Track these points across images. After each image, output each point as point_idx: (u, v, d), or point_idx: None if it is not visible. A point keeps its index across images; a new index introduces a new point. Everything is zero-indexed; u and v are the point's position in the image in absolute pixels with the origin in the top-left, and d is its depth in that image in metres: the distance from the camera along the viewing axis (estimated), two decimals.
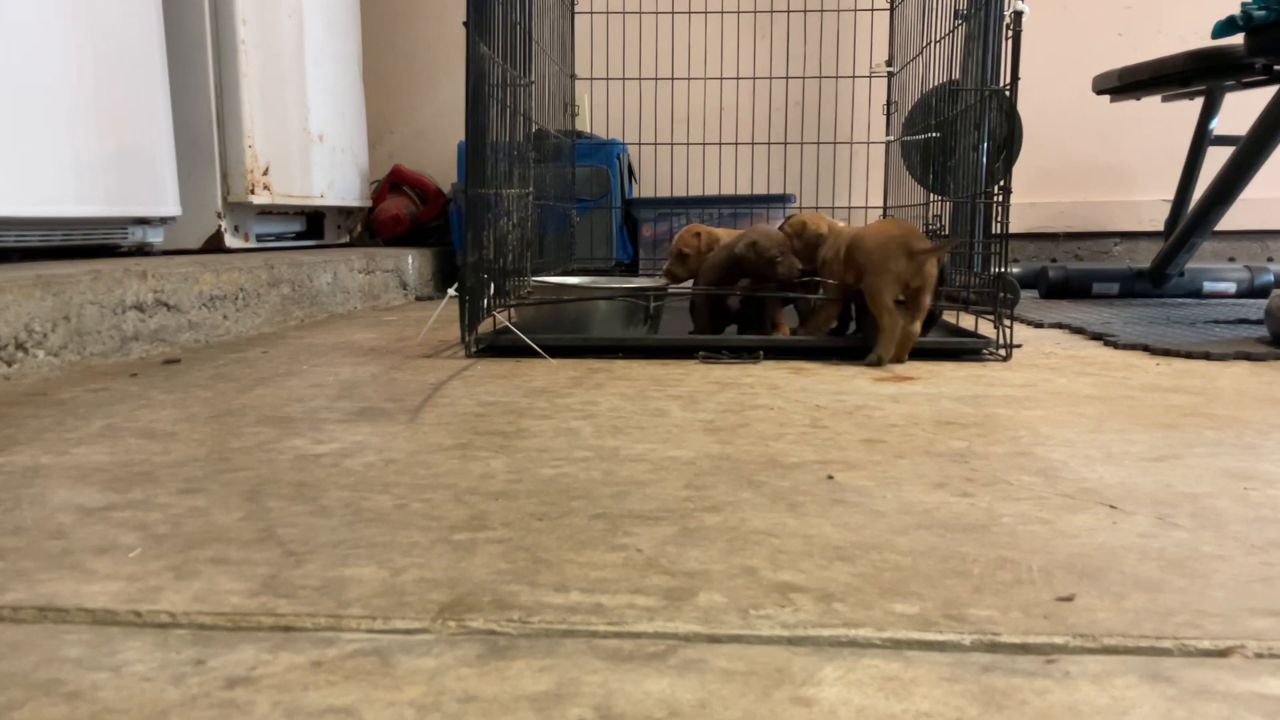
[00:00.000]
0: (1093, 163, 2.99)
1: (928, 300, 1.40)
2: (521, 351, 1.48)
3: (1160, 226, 2.87)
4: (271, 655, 0.48)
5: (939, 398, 1.13)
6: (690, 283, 1.67)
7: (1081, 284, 2.41)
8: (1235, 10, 1.77)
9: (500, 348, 1.52)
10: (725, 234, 1.66)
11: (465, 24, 1.39)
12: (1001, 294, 1.46)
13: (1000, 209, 1.45)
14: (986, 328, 1.58)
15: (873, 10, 2.49)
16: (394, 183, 2.90)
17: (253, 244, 2.27)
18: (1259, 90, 2.15)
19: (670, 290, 1.65)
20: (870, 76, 2.66)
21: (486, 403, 1.11)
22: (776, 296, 1.55)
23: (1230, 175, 2.06)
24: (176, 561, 0.60)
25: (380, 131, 3.12)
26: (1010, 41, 1.41)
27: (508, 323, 1.51)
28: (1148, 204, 2.98)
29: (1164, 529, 0.66)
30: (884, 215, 2.41)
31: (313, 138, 2.46)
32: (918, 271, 1.36)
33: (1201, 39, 2.70)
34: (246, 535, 0.65)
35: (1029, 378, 1.28)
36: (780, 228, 1.55)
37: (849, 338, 1.54)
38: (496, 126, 1.51)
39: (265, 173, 2.21)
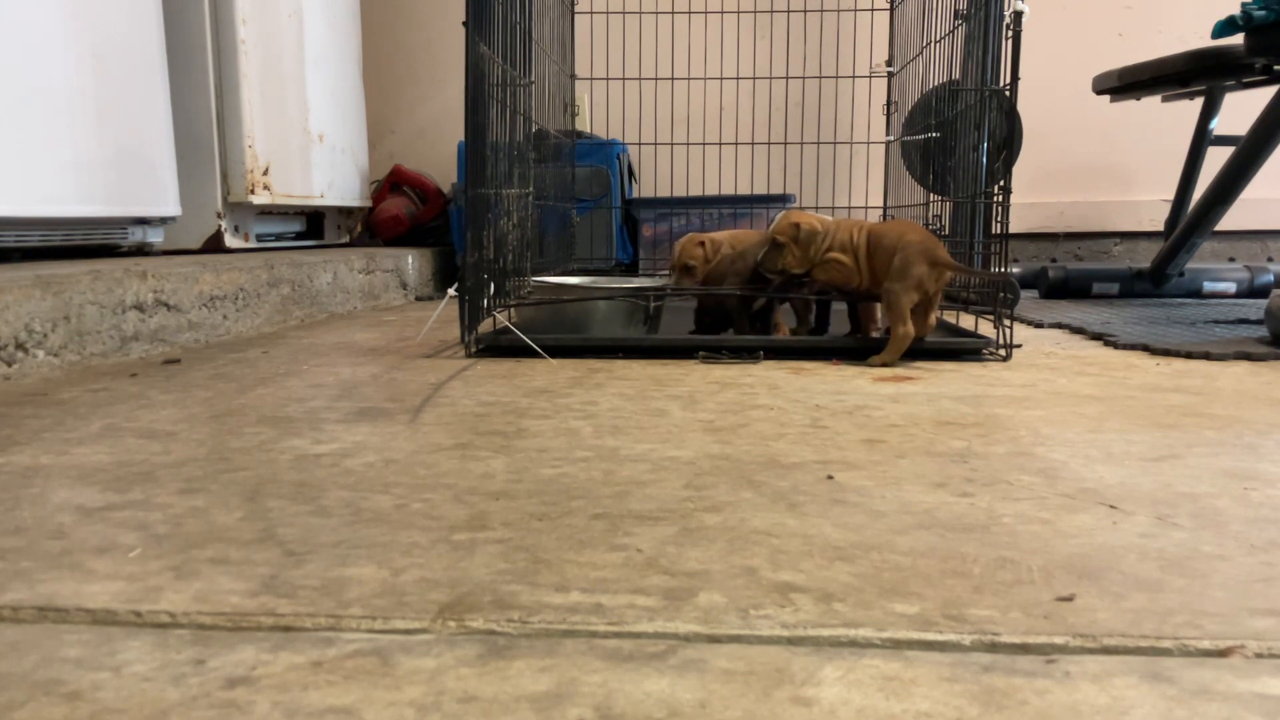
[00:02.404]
0: (1093, 163, 2.99)
1: (936, 306, 1.41)
2: (521, 351, 1.48)
3: (1160, 226, 2.87)
4: (271, 655, 0.48)
5: (939, 398, 1.13)
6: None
7: (1081, 284, 2.41)
8: (1235, 10, 1.77)
9: (500, 348, 1.52)
10: (724, 236, 1.64)
11: (465, 24, 1.39)
12: (1001, 294, 1.46)
13: (1000, 209, 1.45)
14: (986, 328, 1.58)
15: (873, 10, 2.49)
16: (394, 183, 2.90)
17: (253, 244, 2.27)
18: (1259, 90, 2.15)
19: (670, 290, 1.65)
20: (870, 76, 2.67)
21: (486, 403, 1.11)
22: (776, 297, 1.54)
23: (1230, 175, 2.06)
24: (176, 561, 0.60)
25: (380, 131, 3.12)
26: (1010, 41, 1.41)
27: (508, 323, 1.51)
28: (1148, 204, 2.98)
29: (1164, 529, 0.66)
30: (884, 215, 2.41)
31: (313, 138, 2.46)
32: (938, 279, 1.36)
33: (1201, 39, 2.71)
34: (246, 535, 0.65)
35: (1029, 378, 1.28)
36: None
37: (849, 338, 1.54)
38: (496, 126, 1.51)
39: (265, 173, 2.21)
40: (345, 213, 2.81)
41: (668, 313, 1.85)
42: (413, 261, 2.56)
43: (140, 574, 0.58)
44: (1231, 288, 2.36)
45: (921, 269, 1.34)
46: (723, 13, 2.93)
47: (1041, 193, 3.00)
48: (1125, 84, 2.25)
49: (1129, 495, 0.74)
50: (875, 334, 1.52)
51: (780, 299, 1.57)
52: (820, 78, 2.92)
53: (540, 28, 1.91)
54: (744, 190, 2.80)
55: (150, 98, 1.86)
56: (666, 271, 1.72)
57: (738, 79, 2.92)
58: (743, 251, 1.55)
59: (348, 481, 0.78)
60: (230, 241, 2.17)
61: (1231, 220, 2.57)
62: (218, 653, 0.48)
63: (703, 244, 1.61)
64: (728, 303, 1.56)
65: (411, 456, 0.86)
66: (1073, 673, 0.46)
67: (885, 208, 2.40)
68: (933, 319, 1.42)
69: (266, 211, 2.33)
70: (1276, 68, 1.97)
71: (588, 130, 2.86)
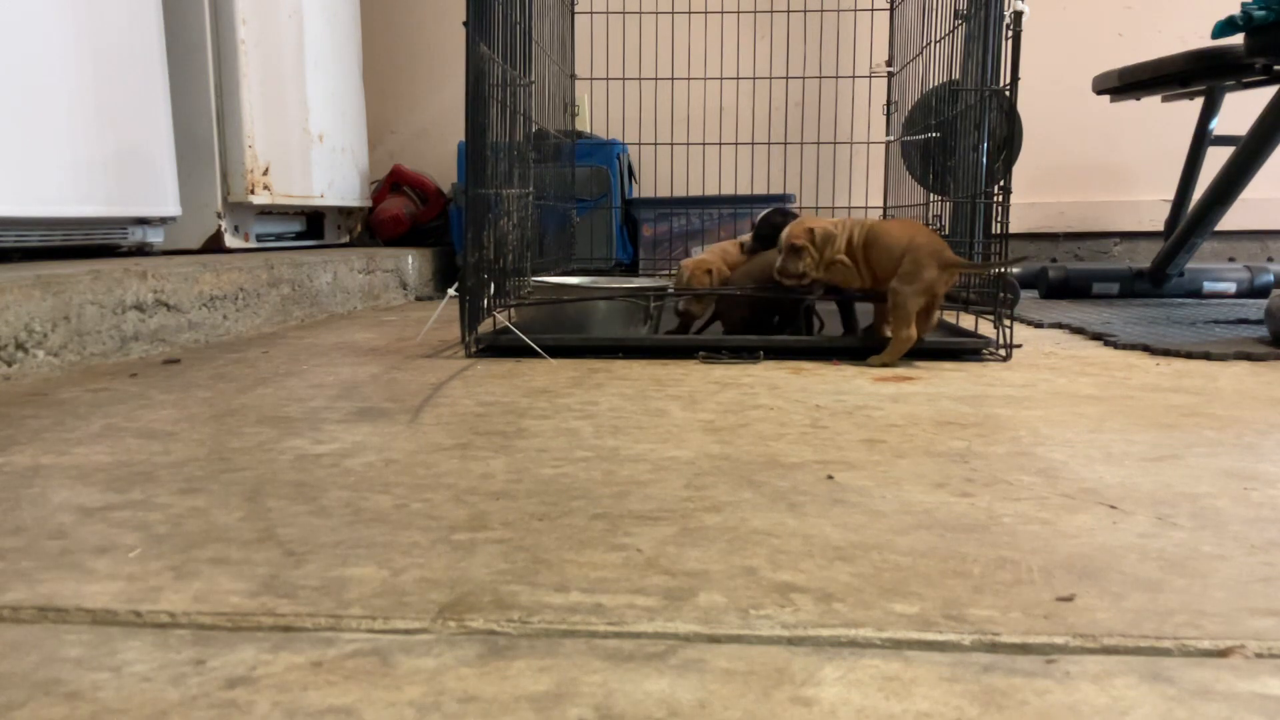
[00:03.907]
0: (1093, 163, 2.99)
1: (939, 307, 1.40)
2: (521, 351, 1.48)
3: (1160, 226, 2.87)
4: (271, 655, 0.48)
5: (939, 398, 1.13)
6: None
7: (1081, 284, 2.41)
8: (1235, 10, 1.77)
9: (500, 348, 1.52)
10: (716, 257, 1.63)
11: (465, 24, 1.39)
12: (1001, 294, 1.46)
13: (1000, 209, 1.45)
14: (986, 328, 1.58)
15: (873, 10, 2.49)
16: (394, 183, 2.90)
17: (253, 244, 2.27)
18: (1259, 90, 2.15)
19: (670, 291, 1.64)
20: (870, 76, 2.66)
21: (486, 403, 1.11)
22: (772, 296, 1.54)
23: (1230, 175, 2.06)
24: (176, 561, 0.60)
25: (380, 131, 3.12)
26: (1010, 41, 1.41)
27: (508, 323, 1.51)
28: (1148, 204, 2.98)
29: (1164, 529, 0.66)
30: (884, 215, 2.41)
31: (313, 138, 2.46)
32: (947, 281, 1.36)
33: (1201, 39, 2.70)
34: (246, 535, 0.65)
35: (1029, 378, 1.28)
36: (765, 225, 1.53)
37: (849, 338, 1.54)
38: (496, 126, 1.51)
39: (265, 173, 2.21)
40: (345, 213, 2.81)
41: (668, 313, 1.85)
42: (413, 261, 2.56)
43: (140, 574, 0.58)
44: (1231, 288, 2.36)
45: (933, 273, 1.33)
46: (723, 13, 2.93)
47: (1041, 193, 3.00)
48: (1125, 84, 2.25)
49: (1129, 495, 0.74)
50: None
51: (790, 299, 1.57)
52: (820, 78, 2.92)
53: (540, 28, 1.91)
54: (744, 190, 2.80)
55: (150, 98, 1.86)
56: (670, 272, 1.71)
57: (738, 79, 2.92)
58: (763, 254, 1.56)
59: (348, 481, 0.78)
60: (230, 241, 2.17)
61: (1231, 220, 2.56)
62: (218, 653, 0.48)
63: (710, 272, 1.59)
64: (783, 304, 1.55)
65: (411, 456, 0.86)
66: (1073, 673, 0.46)
67: (885, 208, 2.40)
68: (934, 319, 1.42)
69: (266, 211, 2.33)
70: (1276, 68, 1.97)
71: (588, 130, 2.86)
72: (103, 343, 1.38)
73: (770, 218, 1.61)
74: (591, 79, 2.69)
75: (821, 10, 2.81)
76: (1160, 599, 0.54)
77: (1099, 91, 2.40)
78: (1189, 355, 1.44)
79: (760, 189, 2.81)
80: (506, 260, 1.58)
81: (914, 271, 1.34)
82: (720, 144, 2.87)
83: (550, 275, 1.84)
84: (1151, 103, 2.79)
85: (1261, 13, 1.70)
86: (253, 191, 2.16)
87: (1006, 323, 1.44)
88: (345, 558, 0.61)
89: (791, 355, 1.47)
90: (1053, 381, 1.25)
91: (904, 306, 1.34)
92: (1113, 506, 0.71)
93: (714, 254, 1.65)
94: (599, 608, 0.53)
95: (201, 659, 0.48)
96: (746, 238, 1.65)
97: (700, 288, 1.58)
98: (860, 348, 1.45)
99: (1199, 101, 2.38)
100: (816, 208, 2.87)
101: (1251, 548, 0.62)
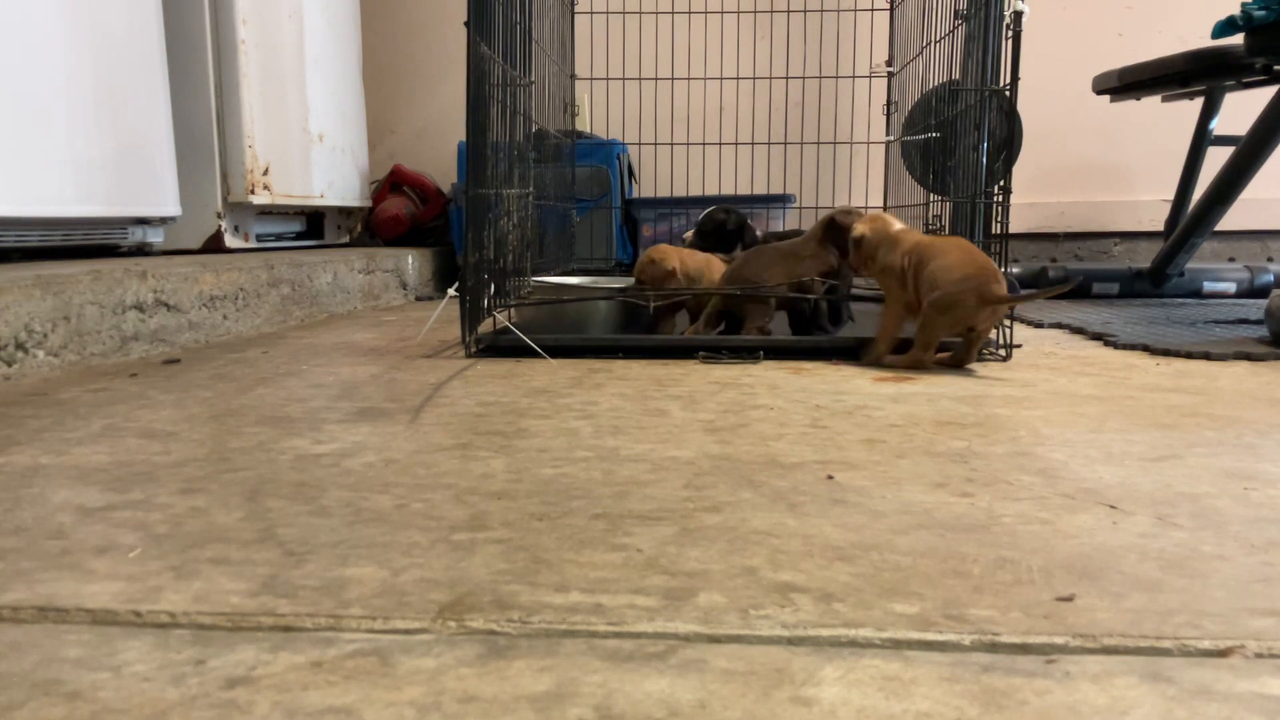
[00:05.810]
0: (1093, 163, 2.99)
1: (986, 337, 1.36)
2: (521, 351, 1.48)
3: (1160, 226, 2.86)
4: (271, 655, 0.48)
5: (939, 398, 1.13)
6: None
7: (1081, 284, 2.41)
8: (1235, 10, 1.77)
9: (500, 348, 1.52)
10: (689, 255, 1.64)
11: (466, 24, 1.39)
12: None
13: (1000, 209, 1.45)
14: None
15: (873, 10, 2.49)
16: (394, 183, 2.90)
17: (253, 244, 2.27)
18: (1259, 90, 2.15)
19: (670, 291, 1.64)
20: (870, 76, 2.66)
21: (486, 403, 1.11)
22: (771, 296, 1.54)
23: (1230, 175, 2.06)
24: (176, 561, 0.60)
25: (380, 131, 3.12)
26: (1010, 41, 1.41)
27: (508, 323, 1.51)
28: (1148, 204, 2.98)
29: (1164, 529, 0.66)
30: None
31: (313, 138, 2.46)
32: (988, 316, 1.31)
33: (1201, 39, 2.70)
34: (246, 535, 0.65)
35: (1029, 378, 1.28)
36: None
37: (849, 338, 1.54)
38: (497, 126, 1.51)
39: (265, 173, 2.21)
40: (345, 213, 2.81)
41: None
42: (413, 261, 2.56)
43: (140, 574, 0.58)
44: (1231, 288, 2.36)
45: (967, 309, 1.29)
46: (723, 13, 2.93)
47: (1041, 193, 3.00)
48: (1125, 84, 2.25)
49: (1129, 495, 0.74)
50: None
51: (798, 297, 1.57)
52: (820, 78, 2.92)
53: (540, 28, 1.91)
54: (744, 190, 2.80)
55: (150, 98, 1.86)
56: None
57: (738, 79, 2.92)
58: (794, 249, 1.56)
59: (348, 481, 0.78)
60: (230, 241, 2.17)
61: (1231, 220, 2.56)
62: (218, 653, 0.48)
63: (653, 261, 1.59)
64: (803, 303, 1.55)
65: (411, 456, 0.86)
66: (1073, 673, 0.46)
67: (885, 208, 2.40)
68: (975, 352, 1.36)
69: (266, 211, 2.33)
70: (1276, 68, 1.97)
71: (588, 130, 2.86)
72: (103, 343, 1.38)
73: (713, 215, 1.73)
74: (591, 79, 2.68)
75: (821, 10, 2.80)
76: (1160, 599, 0.54)
77: (1099, 91, 2.40)
78: (1189, 355, 1.44)
79: (760, 189, 2.81)
80: (506, 260, 1.58)
81: (950, 305, 1.29)
82: (720, 144, 2.87)
83: (550, 275, 1.84)
84: (1151, 103, 2.78)
85: (1261, 13, 1.70)
86: (253, 191, 2.16)
87: (1006, 323, 1.43)
88: (345, 558, 0.61)
89: (791, 355, 1.47)
90: (1053, 381, 1.25)
91: (927, 330, 1.32)
92: (1113, 506, 0.71)
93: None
94: (599, 608, 0.53)
95: (201, 659, 0.48)
96: (690, 234, 1.72)
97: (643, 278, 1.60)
98: (862, 348, 1.45)
99: (1199, 101, 2.38)
100: (816, 208, 2.86)
101: (1251, 548, 0.62)
